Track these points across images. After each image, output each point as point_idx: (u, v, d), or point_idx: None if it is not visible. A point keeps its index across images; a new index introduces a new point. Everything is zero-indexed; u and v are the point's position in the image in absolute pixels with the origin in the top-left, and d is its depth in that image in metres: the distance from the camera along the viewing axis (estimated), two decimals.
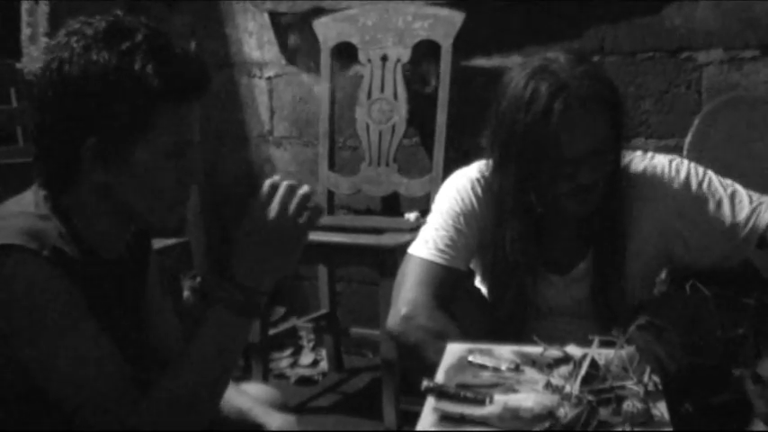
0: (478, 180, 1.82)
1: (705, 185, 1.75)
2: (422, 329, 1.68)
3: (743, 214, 1.72)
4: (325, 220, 2.91)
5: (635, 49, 2.78)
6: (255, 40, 3.39)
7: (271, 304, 3.20)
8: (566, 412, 1.18)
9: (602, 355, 1.32)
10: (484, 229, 1.80)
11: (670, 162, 1.79)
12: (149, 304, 1.49)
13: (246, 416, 1.49)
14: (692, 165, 1.79)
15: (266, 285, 1.29)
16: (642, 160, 1.80)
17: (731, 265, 1.74)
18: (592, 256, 1.79)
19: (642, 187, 1.77)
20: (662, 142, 2.75)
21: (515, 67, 1.73)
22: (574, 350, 1.36)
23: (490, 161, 1.78)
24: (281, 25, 3.31)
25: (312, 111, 3.30)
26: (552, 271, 1.82)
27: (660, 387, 1.29)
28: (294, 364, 3.26)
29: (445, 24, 2.88)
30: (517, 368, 1.36)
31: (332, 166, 3.11)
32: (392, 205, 3.15)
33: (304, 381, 3.15)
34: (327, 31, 3.09)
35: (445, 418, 1.23)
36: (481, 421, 1.21)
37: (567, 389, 1.24)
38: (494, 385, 1.30)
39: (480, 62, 2.97)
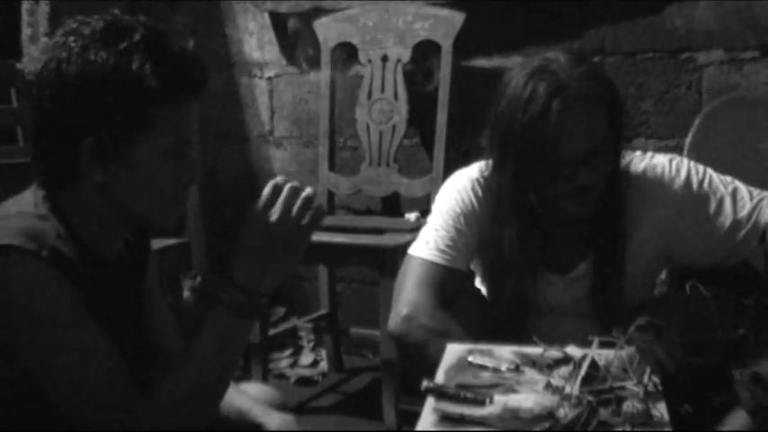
0: (478, 180, 1.82)
1: (706, 184, 1.75)
2: (424, 329, 1.68)
3: (744, 211, 1.72)
4: (326, 220, 2.89)
5: (635, 49, 2.78)
6: (256, 40, 3.39)
7: (271, 304, 3.20)
8: (566, 413, 1.18)
9: (602, 355, 1.32)
10: (484, 229, 1.80)
11: (670, 161, 1.79)
12: (148, 304, 1.49)
13: (246, 416, 1.49)
14: (692, 163, 1.79)
15: (267, 287, 1.29)
16: (642, 160, 1.80)
17: (733, 263, 1.74)
18: (592, 257, 1.79)
19: (643, 187, 1.77)
20: (662, 143, 2.75)
21: (515, 67, 1.73)
22: (574, 351, 1.36)
23: (490, 161, 1.79)
24: (282, 25, 3.32)
25: (312, 111, 3.30)
26: (553, 271, 1.82)
27: (660, 387, 1.28)
28: (294, 365, 3.26)
29: (445, 24, 2.88)
30: (517, 369, 1.36)
31: (332, 167, 3.11)
32: (392, 205, 3.15)
33: (304, 381, 3.15)
34: (328, 31, 3.09)
35: (445, 418, 1.23)
36: (481, 422, 1.21)
37: (567, 389, 1.24)
38: (494, 386, 1.30)
39: (480, 62, 2.97)
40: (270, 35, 3.35)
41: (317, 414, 2.86)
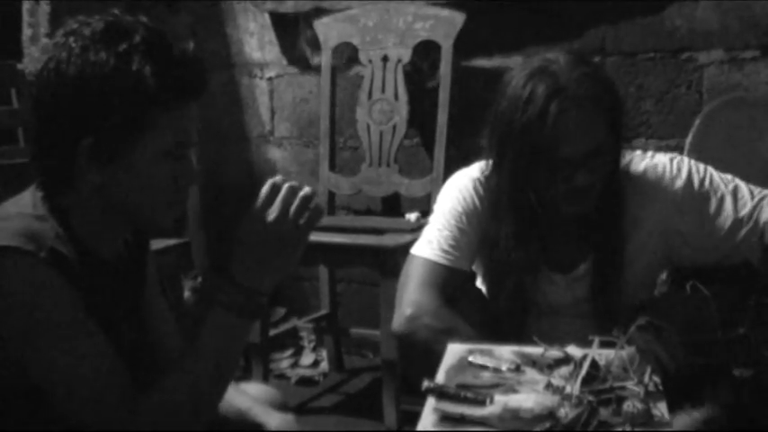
0: (480, 179, 1.82)
1: (707, 183, 1.75)
2: (428, 329, 1.68)
3: (745, 210, 1.73)
4: (326, 220, 2.90)
5: (636, 49, 2.78)
6: (256, 40, 3.39)
7: (271, 305, 3.20)
8: (566, 413, 1.18)
9: (603, 355, 1.32)
10: (486, 228, 1.80)
11: (671, 161, 1.79)
12: (147, 305, 1.48)
13: (245, 415, 1.49)
14: (693, 163, 1.79)
15: (266, 286, 1.29)
16: (643, 159, 1.80)
17: (733, 262, 1.74)
18: (592, 256, 1.79)
19: (643, 186, 1.77)
20: (662, 142, 2.75)
21: (516, 67, 1.73)
22: (574, 351, 1.36)
23: (490, 160, 1.79)
24: (282, 26, 3.32)
25: (313, 111, 3.30)
26: (555, 270, 1.82)
27: (660, 387, 1.28)
28: (295, 365, 3.26)
29: (446, 25, 2.88)
30: (518, 369, 1.36)
31: (332, 167, 3.11)
32: (393, 206, 3.15)
33: (305, 381, 3.15)
34: (328, 31, 3.09)
35: (445, 418, 1.23)
36: (481, 422, 1.21)
37: (568, 389, 1.24)
38: (494, 386, 1.30)
39: (481, 62, 2.97)
40: (270, 35, 3.35)
41: (317, 414, 2.86)
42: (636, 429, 1.18)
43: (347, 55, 3.15)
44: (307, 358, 3.29)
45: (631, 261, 1.77)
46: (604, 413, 1.20)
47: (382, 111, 3.01)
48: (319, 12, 3.13)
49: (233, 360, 1.33)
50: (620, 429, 1.18)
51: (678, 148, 2.57)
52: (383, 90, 3.00)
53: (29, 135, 1.81)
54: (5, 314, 1.22)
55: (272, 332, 3.00)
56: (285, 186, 1.27)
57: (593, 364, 1.28)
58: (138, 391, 1.26)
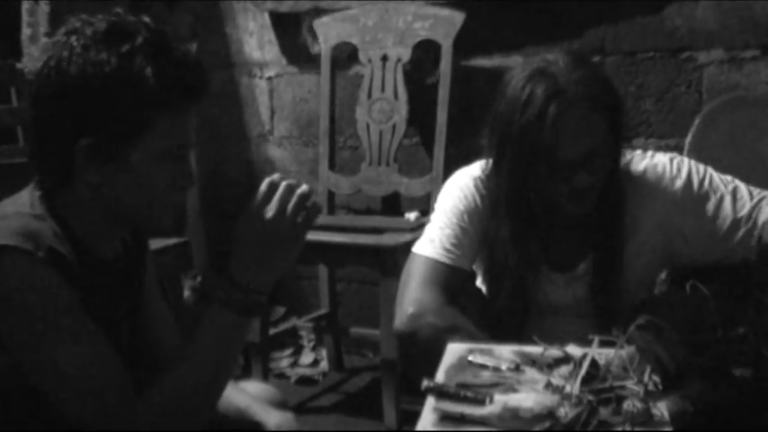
0: (481, 178, 1.82)
1: (707, 183, 1.75)
2: (431, 327, 1.67)
3: (744, 210, 1.73)
4: (326, 219, 2.91)
5: (635, 48, 2.78)
6: (256, 40, 3.39)
7: (271, 304, 3.21)
8: (566, 412, 1.18)
9: (603, 354, 1.32)
10: (487, 227, 1.80)
11: (671, 160, 1.79)
12: (147, 305, 1.48)
13: (245, 414, 1.49)
14: (693, 163, 1.79)
15: (265, 284, 1.29)
16: (643, 159, 1.80)
17: (733, 262, 1.74)
18: (592, 256, 1.79)
19: (643, 186, 1.77)
20: (662, 142, 2.75)
21: (516, 68, 1.73)
22: (574, 350, 1.36)
23: (490, 160, 1.79)
24: (282, 25, 3.31)
25: (312, 111, 3.30)
26: (554, 269, 1.82)
27: (660, 387, 1.28)
28: (294, 364, 3.26)
29: (445, 24, 2.88)
30: (517, 368, 1.36)
31: (332, 166, 3.11)
32: (392, 205, 3.15)
33: (304, 380, 3.15)
34: (328, 30, 3.09)
35: (445, 417, 1.23)
36: (481, 421, 1.21)
37: (568, 389, 1.24)
38: (494, 385, 1.30)
39: (481, 62, 2.97)
40: (270, 35, 3.35)
41: (317, 414, 2.86)
42: (636, 429, 1.18)
43: (347, 54, 3.15)
44: (306, 357, 3.29)
45: (631, 260, 1.77)
46: (604, 412, 1.20)
47: (382, 110, 3.01)
48: (319, 11, 3.13)
49: (232, 358, 1.33)
50: (620, 429, 1.18)
51: (678, 148, 2.57)
52: (383, 89, 3.00)
53: (27, 134, 1.81)
54: (3, 313, 1.22)
55: (272, 331, 3.00)
56: (282, 184, 1.27)
57: (593, 363, 1.28)
58: (138, 390, 1.26)
